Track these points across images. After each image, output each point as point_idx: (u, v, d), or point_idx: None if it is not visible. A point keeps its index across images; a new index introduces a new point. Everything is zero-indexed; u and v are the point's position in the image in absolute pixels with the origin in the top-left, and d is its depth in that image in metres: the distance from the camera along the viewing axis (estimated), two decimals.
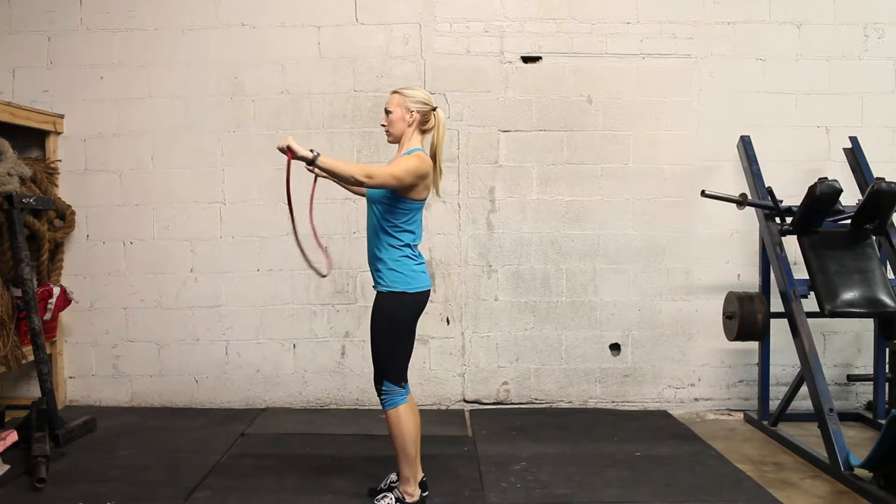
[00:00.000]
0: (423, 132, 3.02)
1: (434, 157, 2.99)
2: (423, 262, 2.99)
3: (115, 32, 4.54)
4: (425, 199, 2.95)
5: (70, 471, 3.45)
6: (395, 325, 2.91)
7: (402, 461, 2.95)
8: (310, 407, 4.61)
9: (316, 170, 2.79)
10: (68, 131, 4.55)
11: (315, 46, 4.54)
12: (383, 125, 3.04)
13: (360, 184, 2.80)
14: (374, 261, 2.95)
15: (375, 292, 2.96)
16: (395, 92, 3.02)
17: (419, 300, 2.94)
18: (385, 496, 2.99)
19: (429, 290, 2.99)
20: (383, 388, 2.92)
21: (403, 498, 2.97)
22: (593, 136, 4.57)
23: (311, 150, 2.72)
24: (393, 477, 3.12)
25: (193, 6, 4.54)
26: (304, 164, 2.73)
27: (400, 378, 2.93)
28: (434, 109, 3.01)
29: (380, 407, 3.04)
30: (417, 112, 2.97)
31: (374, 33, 4.54)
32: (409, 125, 2.98)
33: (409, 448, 2.92)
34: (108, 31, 4.54)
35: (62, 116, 4.53)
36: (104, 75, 4.55)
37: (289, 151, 2.71)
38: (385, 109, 3.02)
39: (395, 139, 3.03)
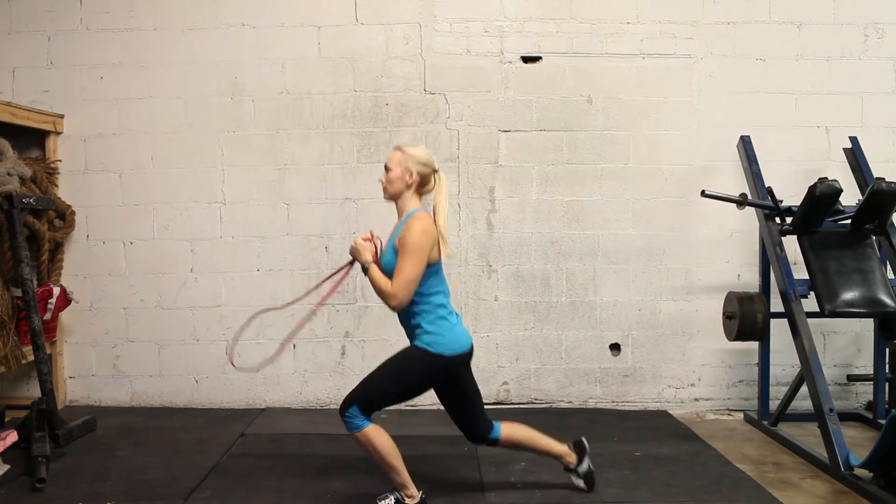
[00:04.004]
0: (422, 194, 2.96)
1: (435, 219, 2.88)
2: (459, 319, 2.95)
3: (115, 32, 4.55)
4: (440, 257, 2.88)
5: (70, 471, 3.44)
6: (412, 377, 2.88)
7: (390, 474, 2.91)
8: (310, 407, 4.61)
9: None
10: (68, 131, 4.56)
11: (315, 46, 4.55)
12: (381, 181, 2.98)
13: (385, 302, 2.82)
14: (410, 327, 2.91)
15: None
16: (397, 148, 2.95)
17: (457, 362, 2.88)
18: (386, 496, 2.99)
19: (469, 351, 2.92)
20: (348, 412, 2.81)
21: (404, 500, 2.96)
22: (593, 136, 4.57)
23: (366, 262, 2.86)
24: None
25: (193, 6, 4.54)
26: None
27: (369, 412, 2.83)
28: (436, 171, 2.94)
29: None
30: (418, 174, 2.89)
31: (374, 33, 4.54)
32: (409, 186, 2.90)
33: (390, 461, 2.86)
34: (108, 31, 4.54)
35: (62, 116, 4.53)
36: (104, 75, 4.55)
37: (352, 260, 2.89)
38: (385, 166, 2.95)
39: (392, 197, 2.96)
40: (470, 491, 3.23)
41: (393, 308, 2.82)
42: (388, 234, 2.99)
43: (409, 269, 2.76)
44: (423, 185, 2.93)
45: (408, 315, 2.90)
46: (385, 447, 2.85)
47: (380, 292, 2.82)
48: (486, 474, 3.41)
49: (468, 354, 2.94)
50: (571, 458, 3.18)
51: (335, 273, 3.11)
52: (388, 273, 2.84)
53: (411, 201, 2.92)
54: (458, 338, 2.89)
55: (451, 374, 2.93)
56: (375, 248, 2.93)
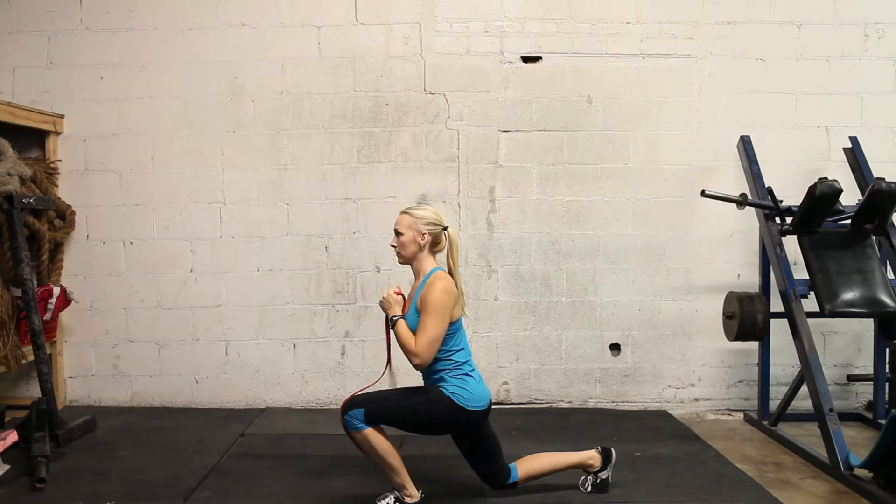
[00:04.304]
0: (435, 252, 3.00)
1: (452, 277, 2.95)
2: (481, 377, 2.99)
3: (115, 32, 4.55)
4: (461, 317, 2.95)
5: (70, 471, 3.45)
6: (429, 417, 2.89)
7: (389, 474, 2.93)
8: (310, 407, 4.61)
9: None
10: (68, 131, 4.56)
11: (315, 46, 4.55)
12: (393, 246, 3.01)
13: (409, 359, 2.86)
14: (434, 381, 2.94)
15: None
16: (404, 212, 2.99)
17: (474, 416, 2.91)
18: (386, 496, 2.99)
19: (488, 407, 2.96)
20: (351, 413, 2.83)
21: (404, 500, 2.97)
22: (593, 136, 4.57)
23: (396, 316, 2.92)
24: None
25: (193, 6, 4.54)
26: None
27: (371, 422, 2.84)
28: (445, 229, 2.99)
29: None
30: (429, 234, 2.94)
31: (374, 33, 4.54)
32: (422, 248, 2.95)
33: (388, 461, 2.89)
34: (108, 31, 4.55)
35: (62, 116, 4.53)
36: (104, 75, 4.55)
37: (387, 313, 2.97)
38: (395, 230, 2.98)
39: (406, 261, 3.00)
40: (470, 491, 3.22)
41: (416, 366, 2.87)
42: (409, 296, 3.01)
43: (432, 329, 2.81)
44: (434, 244, 2.98)
45: (430, 371, 2.94)
46: (383, 447, 2.87)
47: (404, 349, 2.86)
48: None
49: (488, 410, 2.98)
50: (594, 461, 3.18)
51: (387, 335, 3.10)
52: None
53: (427, 262, 2.97)
54: (481, 394, 2.94)
55: (471, 428, 2.96)
56: (404, 301, 2.99)
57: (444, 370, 2.91)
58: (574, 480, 3.24)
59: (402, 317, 2.92)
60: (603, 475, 3.17)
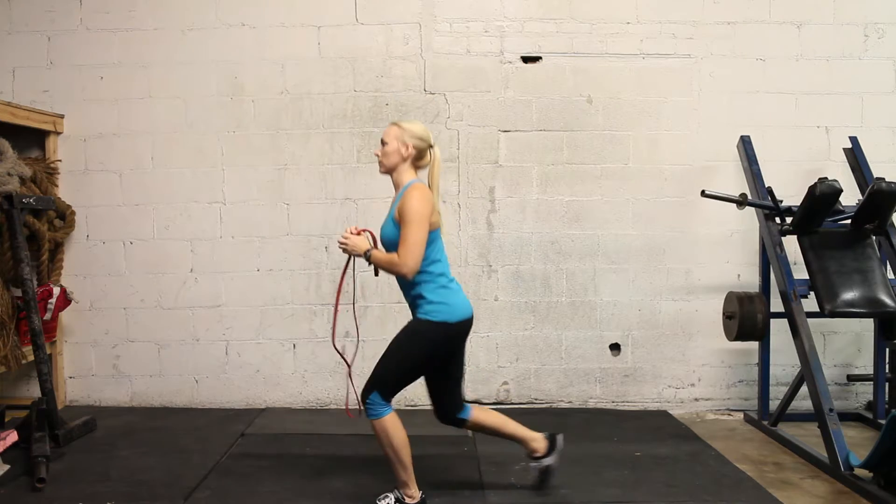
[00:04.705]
0: (417, 168, 3.00)
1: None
2: (459, 287, 3.00)
3: (115, 32, 4.55)
4: (439, 225, 2.94)
5: (70, 471, 3.45)
6: (420, 351, 2.91)
7: (397, 468, 2.94)
8: (310, 407, 4.61)
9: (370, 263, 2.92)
10: (68, 131, 4.56)
11: (315, 46, 4.55)
12: (377, 154, 3.02)
13: (398, 273, 2.84)
14: (412, 297, 2.94)
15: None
16: (393, 123, 3.00)
17: (461, 329, 2.93)
18: (386, 496, 2.99)
19: (470, 318, 2.97)
20: (369, 399, 2.87)
21: (404, 499, 2.97)
22: (593, 136, 4.57)
23: (368, 250, 2.89)
24: None
25: (193, 6, 4.54)
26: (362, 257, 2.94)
27: (389, 396, 2.89)
28: (431, 147, 2.99)
29: None
30: (414, 147, 2.94)
31: (374, 33, 4.54)
32: (404, 160, 2.95)
33: (401, 455, 2.90)
34: (108, 31, 4.55)
35: (62, 116, 4.53)
36: (104, 75, 4.55)
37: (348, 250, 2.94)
38: (381, 140, 3.00)
39: (387, 170, 3.00)
40: (470, 491, 3.23)
41: (405, 275, 2.84)
42: (388, 208, 3.03)
43: (414, 235, 2.80)
44: (418, 158, 2.99)
45: (409, 286, 2.93)
46: (399, 441, 2.89)
47: (390, 266, 2.85)
48: (486, 474, 3.41)
49: (469, 322, 2.97)
50: (539, 445, 3.16)
51: (342, 279, 3.10)
52: (390, 243, 2.89)
53: (407, 174, 2.97)
54: (460, 305, 2.93)
55: (459, 341, 2.98)
56: (371, 236, 3.00)
57: (421, 283, 2.89)
58: (573, 479, 3.24)
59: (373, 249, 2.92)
60: (546, 461, 3.16)
